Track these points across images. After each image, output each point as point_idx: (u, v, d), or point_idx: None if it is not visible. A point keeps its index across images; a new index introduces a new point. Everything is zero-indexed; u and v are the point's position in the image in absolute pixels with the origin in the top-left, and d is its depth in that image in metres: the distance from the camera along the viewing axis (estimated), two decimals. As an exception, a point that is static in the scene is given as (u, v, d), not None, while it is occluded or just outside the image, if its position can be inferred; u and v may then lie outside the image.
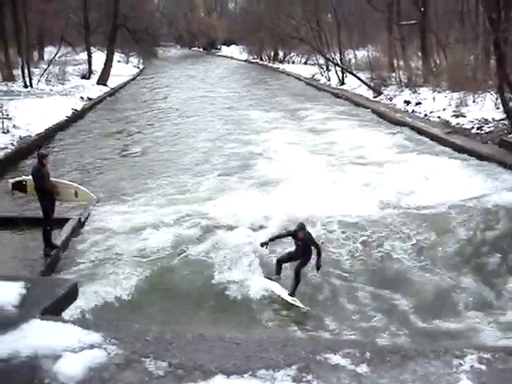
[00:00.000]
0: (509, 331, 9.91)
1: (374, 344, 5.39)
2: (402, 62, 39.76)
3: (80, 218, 14.53)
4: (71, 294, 6.16)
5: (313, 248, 11.23)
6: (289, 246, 11.96)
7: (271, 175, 18.96)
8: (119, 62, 59.35)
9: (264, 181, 18.32)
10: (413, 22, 40.38)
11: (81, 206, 15.40)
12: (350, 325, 10.43)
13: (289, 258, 11.71)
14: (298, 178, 18.08)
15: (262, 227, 14.02)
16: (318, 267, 11.27)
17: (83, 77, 44.86)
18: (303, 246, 11.29)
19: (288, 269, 11.72)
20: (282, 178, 18.34)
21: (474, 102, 27.81)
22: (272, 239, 11.97)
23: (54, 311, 5.53)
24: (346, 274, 12.16)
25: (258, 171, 19.71)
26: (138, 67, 64.08)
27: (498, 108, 25.63)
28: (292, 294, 11.11)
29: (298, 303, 10.97)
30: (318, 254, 11.20)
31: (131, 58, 64.75)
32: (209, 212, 15.01)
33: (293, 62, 66.65)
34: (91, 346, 4.69)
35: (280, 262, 11.75)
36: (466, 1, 39.97)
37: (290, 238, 11.63)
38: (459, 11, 41.22)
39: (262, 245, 11.96)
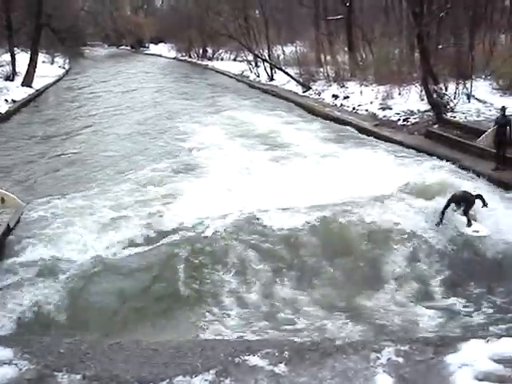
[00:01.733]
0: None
1: (293, 342, 5.38)
2: (329, 57, 40.31)
3: (8, 225, 14.08)
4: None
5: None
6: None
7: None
8: (44, 62, 57.63)
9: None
10: (339, 17, 41.03)
11: (8, 212, 14.87)
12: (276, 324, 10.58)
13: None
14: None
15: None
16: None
17: (7, 79, 43.35)
18: None
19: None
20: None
21: (399, 94, 28.46)
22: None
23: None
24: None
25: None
26: (64, 67, 62.51)
27: (422, 100, 26.33)
28: None
29: None
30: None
31: (57, 59, 63.14)
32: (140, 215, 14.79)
33: (222, 59, 66.52)
34: (1, 363, 4.51)
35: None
36: (391, -5, 40.85)
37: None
38: (384, 6, 42.04)
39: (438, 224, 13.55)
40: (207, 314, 10.88)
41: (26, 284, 11.33)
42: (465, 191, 13.82)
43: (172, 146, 23.18)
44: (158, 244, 13.12)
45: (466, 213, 13.39)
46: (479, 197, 13.60)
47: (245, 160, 19.90)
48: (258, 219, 13.88)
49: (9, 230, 13.85)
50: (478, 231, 13.19)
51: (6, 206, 14.77)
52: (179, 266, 12.08)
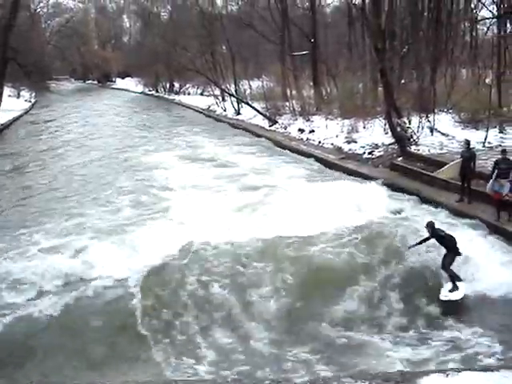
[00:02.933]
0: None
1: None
2: (295, 92, 40.78)
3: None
4: None
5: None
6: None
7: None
8: (10, 96, 57.38)
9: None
10: (304, 52, 41.66)
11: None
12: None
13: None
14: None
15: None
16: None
17: (-29, 112, 43.03)
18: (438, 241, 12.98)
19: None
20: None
21: (364, 128, 28.84)
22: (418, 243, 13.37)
23: None
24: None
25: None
26: (30, 101, 62.23)
27: (386, 133, 26.70)
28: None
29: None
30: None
31: (23, 92, 62.86)
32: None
33: (189, 94, 66.89)
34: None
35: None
36: (354, 32, 41.61)
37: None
38: (347, 42, 42.86)
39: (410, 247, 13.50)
40: (171, 353, 10.69)
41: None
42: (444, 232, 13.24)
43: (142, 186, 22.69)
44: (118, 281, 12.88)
45: (447, 267, 12.83)
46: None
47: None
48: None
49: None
50: (447, 296, 12.58)
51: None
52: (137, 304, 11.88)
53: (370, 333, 11.42)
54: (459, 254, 12.92)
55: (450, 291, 12.57)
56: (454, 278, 12.63)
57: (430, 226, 13.01)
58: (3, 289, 12.58)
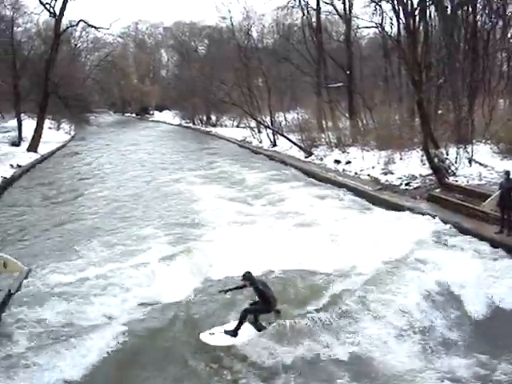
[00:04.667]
0: None
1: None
2: (330, 123, 40.91)
3: (10, 290, 13.92)
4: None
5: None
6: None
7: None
8: (50, 128, 58.76)
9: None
10: (340, 84, 41.81)
11: (10, 277, 14.71)
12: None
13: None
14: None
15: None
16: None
17: (13, 144, 44.13)
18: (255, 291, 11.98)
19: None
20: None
21: (401, 159, 28.67)
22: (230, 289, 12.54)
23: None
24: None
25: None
26: (70, 133, 63.52)
27: (424, 164, 26.49)
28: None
29: None
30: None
31: (63, 125, 64.25)
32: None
33: (225, 126, 67.57)
34: None
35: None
36: (389, 64, 41.67)
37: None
38: (383, 74, 42.89)
39: (220, 292, 12.72)
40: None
41: (23, 353, 11.12)
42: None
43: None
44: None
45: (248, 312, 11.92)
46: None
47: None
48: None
49: (10, 296, 13.68)
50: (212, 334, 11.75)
51: (8, 270, 14.66)
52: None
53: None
54: (269, 311, 12.10)
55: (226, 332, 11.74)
56: (239, 326, 11.72)
57: (247, 277, 12.03)
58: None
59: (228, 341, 11.53)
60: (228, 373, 10.80)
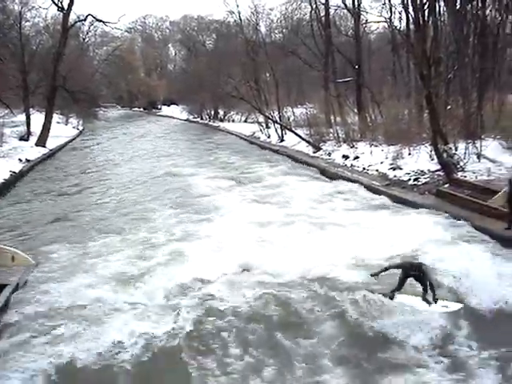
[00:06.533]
0: None
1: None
2: (338, 118, 40.82)
3: (18, 284, 13.91)
4: None
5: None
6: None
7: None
8: (58, 123, 58.89)
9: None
10: (348, 79, 41.71)
11: (18, 271, 14.69)
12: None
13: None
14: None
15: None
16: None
17: (21, 138, 44.19)
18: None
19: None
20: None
21: (409, 154, 28.57)
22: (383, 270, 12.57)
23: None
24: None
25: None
26: (78, 128, 63.66)
27: (432, 159, 26.39)
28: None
29: None
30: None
31: (71, 119, 64.41)
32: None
33: (233, 121, 67.56)
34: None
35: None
36: (398, 58, 41.49)
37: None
38: (392, 68, 42.72)
39: (372, 275, 12.67)
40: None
41: (30, 346, 11.06)
42: (412, 262, 12.69)
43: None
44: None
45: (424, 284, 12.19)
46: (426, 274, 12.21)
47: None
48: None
49: (17, 289, 13.69)
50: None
51: (16, 264, 14.73)
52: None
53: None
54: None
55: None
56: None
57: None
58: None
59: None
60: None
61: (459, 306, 12.11)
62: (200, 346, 11.21)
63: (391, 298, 12.31)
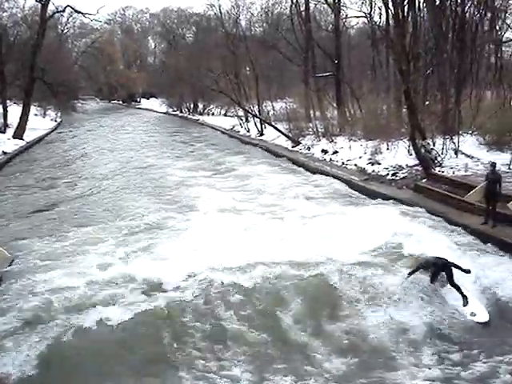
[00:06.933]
0: None
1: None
2: (318, 113, 40.92)
3: (-6, 278, 13.77)
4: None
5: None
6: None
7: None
8: (36, 115, 58.31)
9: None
10: (328, 74, 41.79)
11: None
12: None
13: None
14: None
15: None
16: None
17: (-2, 130, 43.73)
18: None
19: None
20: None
21: (388, 149, 28.73)
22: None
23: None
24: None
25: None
26: (56, 120, 63.09)
27: (410, 154, 26.58)
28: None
29: None
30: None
31: (49, 111, 63.79)
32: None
33: (212, 114, 67.38)
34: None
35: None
36: (377, 53, 41.67)
37: None
38: (371, 63, 42.90)
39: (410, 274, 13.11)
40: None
41: (10, 339, 10.97)
42: (437, 257, 13.13)
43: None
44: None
45: (452, 285, 12.71)
46: (454, 265, 12.90)
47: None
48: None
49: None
50: (475, 314, 12.11)
51: (-8, 257, 14.58)
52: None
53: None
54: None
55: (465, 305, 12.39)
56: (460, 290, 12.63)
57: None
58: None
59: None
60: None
61: (486, 318, 12.15)
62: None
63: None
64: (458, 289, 12.57)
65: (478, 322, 11.99)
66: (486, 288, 13.18)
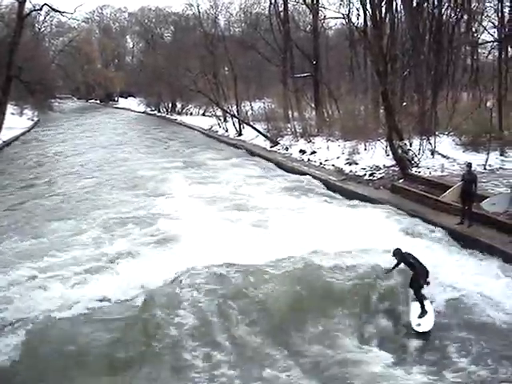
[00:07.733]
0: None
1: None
2: (296, 113, 41.00)
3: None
4: None
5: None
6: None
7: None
8: (13, 114, 57.72)
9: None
10: (306, 74, 41.88)
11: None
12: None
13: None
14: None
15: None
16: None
17: (-27, 130, 43.15)
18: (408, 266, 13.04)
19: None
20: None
21: (365, 149, 28.91)
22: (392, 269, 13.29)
23: None
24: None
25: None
26: (33, 120, 62.55)
27: (388, 155, 26.78)
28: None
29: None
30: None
31: (26, 111, 63.20)
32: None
33: (191, 114, 67.20)
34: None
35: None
36: (355, 54, 41.87)
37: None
38: (349, 65, 43.10)
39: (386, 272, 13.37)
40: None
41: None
42: (408, 253, 13.24)
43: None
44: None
45: (417, 296, 12.65)
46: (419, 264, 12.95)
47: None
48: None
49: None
50: (420, 324, 12.13)
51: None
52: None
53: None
54: (427, 282, 12.82)
55: (419, 317, 12.31)
56: (423, 304, 12.52)
57: (397, 253, 13.18)
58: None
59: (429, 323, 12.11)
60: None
61: (427, 328, 12.11)
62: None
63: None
64: (421, 302, 12.54)
65: (418, 332, 12.00)
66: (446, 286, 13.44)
